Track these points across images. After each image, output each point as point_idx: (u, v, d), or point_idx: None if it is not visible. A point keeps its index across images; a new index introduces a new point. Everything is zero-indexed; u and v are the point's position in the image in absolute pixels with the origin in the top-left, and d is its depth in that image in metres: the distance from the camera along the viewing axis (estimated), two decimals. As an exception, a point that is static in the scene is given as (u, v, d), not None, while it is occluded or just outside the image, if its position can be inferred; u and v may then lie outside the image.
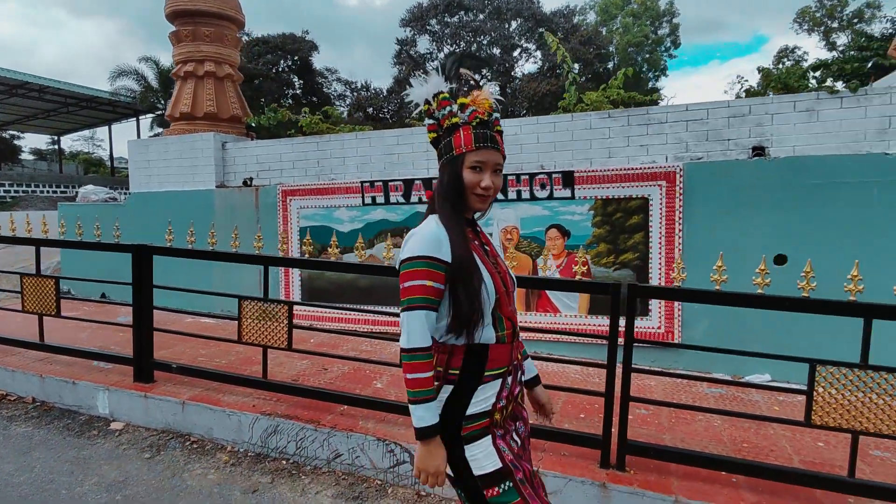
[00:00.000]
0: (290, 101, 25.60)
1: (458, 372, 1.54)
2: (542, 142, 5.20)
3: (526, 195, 5.07)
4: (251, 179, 6.48)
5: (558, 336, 4.92)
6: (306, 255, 3.69)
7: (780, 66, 21.24)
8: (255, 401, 3.64)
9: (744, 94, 7.66)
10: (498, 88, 22.35)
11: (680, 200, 4.60)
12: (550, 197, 4.99)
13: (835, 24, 22.62)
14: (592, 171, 4.83)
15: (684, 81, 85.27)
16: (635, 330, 3.11)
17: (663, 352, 4.78)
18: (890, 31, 18.90)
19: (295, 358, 4.61)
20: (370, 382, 4.15)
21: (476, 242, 1.60)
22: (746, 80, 7.82)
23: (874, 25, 21.45)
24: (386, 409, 3.35)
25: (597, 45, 23.13)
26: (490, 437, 1.53)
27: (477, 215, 1.67)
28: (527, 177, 5.03)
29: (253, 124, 7.27)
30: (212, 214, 6.45)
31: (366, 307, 5.38)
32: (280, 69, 24.19)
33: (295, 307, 3.60)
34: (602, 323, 4.85)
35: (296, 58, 24.14)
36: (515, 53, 24.51)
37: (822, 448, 3.19)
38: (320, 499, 2.93)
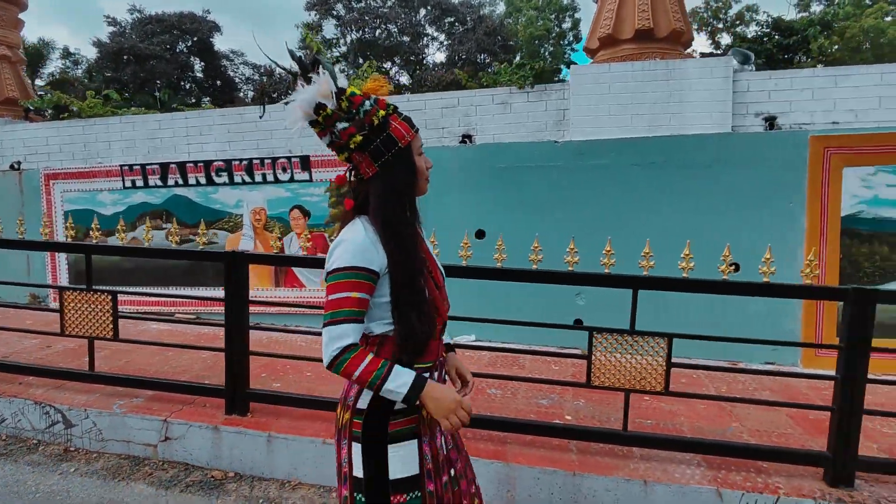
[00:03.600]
0: (189, 84, 24.37)
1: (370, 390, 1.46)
2: (289, 128, 5.53)
3: (271, 178, 5.40)
4: (19, 163, 6.37)
5: (302, 309, 5.31)
6: (68, 239, 3.70)
7: None
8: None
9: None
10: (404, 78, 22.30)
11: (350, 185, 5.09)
12: (292, 180, 5.35)
13: (720, 25, 24.31)
14: (326, 155, 5.24)
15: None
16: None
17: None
18: (759, 33, 20.77)
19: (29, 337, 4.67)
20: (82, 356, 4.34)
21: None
22: None
23: (750, 27, 23.39)
24: (54, 375, 3.58)
25: (502, 36, 23.30)
26: (417, 440, 1.48)
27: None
28: (270, 161, 5.36)
29: (31, 107, 7.10)
30: (-20, 199, 6.29)
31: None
32: (179, 50, 22.91)
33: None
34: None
35: (195, 38, 22.94)
36: (424, 42, 24.41)
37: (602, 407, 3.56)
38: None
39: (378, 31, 23.60)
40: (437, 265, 1.62)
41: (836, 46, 18.09)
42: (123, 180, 5.76)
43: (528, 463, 2.80)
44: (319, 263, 3.19)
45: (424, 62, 24.27)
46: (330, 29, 24.10)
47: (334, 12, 23.58)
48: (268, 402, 3.31)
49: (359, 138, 1.43)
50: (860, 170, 4.38)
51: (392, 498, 1.43)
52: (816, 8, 22.48)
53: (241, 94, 25.32)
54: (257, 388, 3.35)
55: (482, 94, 5.09)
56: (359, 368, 1.37)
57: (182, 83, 24.04)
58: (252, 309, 3.25)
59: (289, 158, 5.30)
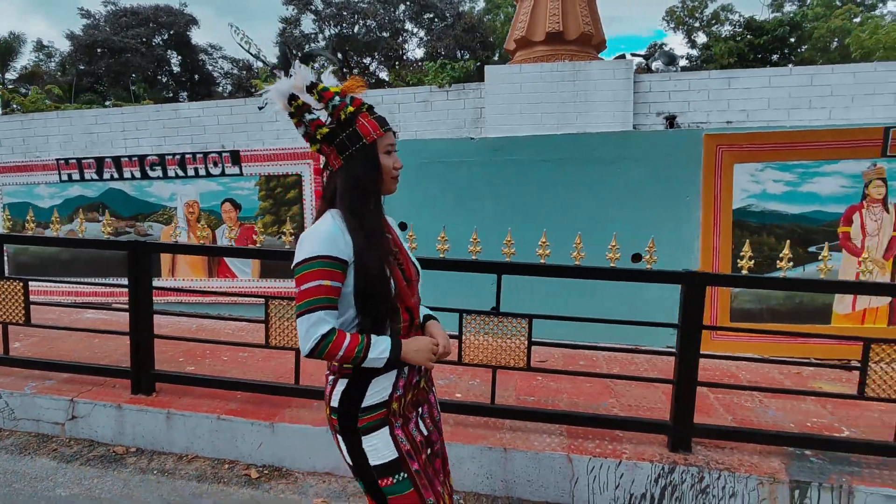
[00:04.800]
0: (166, 77, 24.09)
1: (352, 365, 1.51)
2: (222, 124, 5.73)
3: (203, 172, 5.57)
4: (-40, 157, 6.46)
5: (234, 298, 5.50)
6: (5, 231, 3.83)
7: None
8: None
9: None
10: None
11: (324, 177, 5.31)
12: (223, 174, 5.54)
13: (696, 24, 24.70)
14: (254, 150, 5.43)
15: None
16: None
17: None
18: (731, 32, 21.21)
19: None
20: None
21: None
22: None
23: (725, 27, 23.83)
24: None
25: (481, 32, 23.22)
26: (388, 427, 1.52)
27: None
28: (201, 155, 5.54)
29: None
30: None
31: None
32: (155, 44, 22.62)
33: None
34: (269, 285, 5.49)
35: (172, 32, 22.68)
36: (403, 38, 24.28)
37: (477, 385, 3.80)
38: None
39: (357, 27, 23.52)
40: (409, 259, 1.67)
41: (805, 46, 18.61)
42: (60, 174, 5.88)
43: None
44: (213, 252, 3.40)
45: (405, 58, 24.26)
46: (308, 24, 24.01)
47: (312, 7, 23.40)
48: (174, 383, 3.51)
49: (325, 130, 1.51)
50: (749, 166, 4.70)
51: (380, 482, 1.50)
52: (790, 8, 22.91)
53: (220, 89, 25.09)
54: (163, 369, 3.55)
55: (405, 93, 5.32)
56: (341, 349, 1.43)
57: (159, 77, 23.78)
58: (190, 298, 3.44)
59: (220, 153, 5.49)
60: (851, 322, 4.67)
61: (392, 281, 1.52)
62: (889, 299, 4.63)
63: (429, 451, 1.65)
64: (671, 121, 4.93)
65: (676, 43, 45.05)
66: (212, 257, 5.61)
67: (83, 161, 5.81)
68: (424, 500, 1.52)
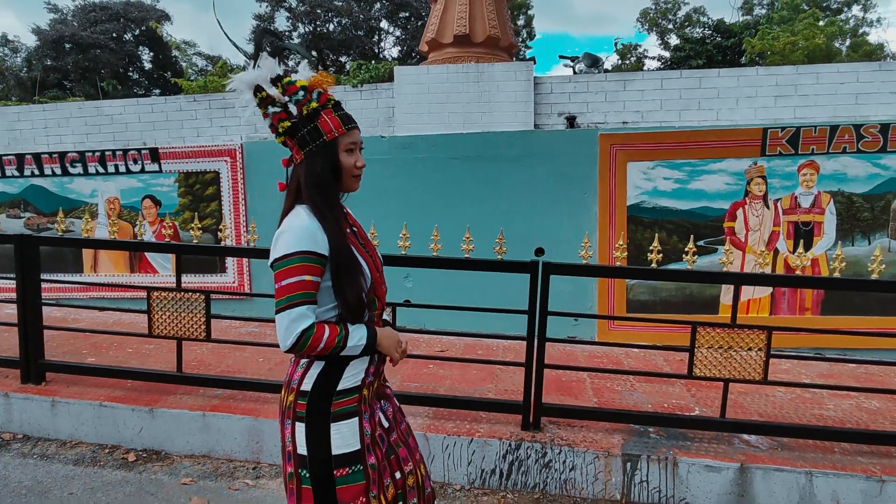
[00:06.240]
0: (137, 74, 23.67)
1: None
2: (143, 121, 5.81)
3: (123, 169, 5.66)
4: None
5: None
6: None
7: (626, 62, 23.52)
8: None
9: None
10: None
11: (242, 174, 5.45)
12: (143, 171, 5.63)
13: (670, 26, 25.10)
14: (173, 147, 5.54)
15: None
16: (215, 285, 3.81)
17: (240, 302, 5.64)
18: (702, 34, 21.57)
19: None
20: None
21: (348, 230, 1.60)
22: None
23: (696, 29, 24.24)
24: None
25: None
26: (358, 417, 1.55)
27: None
28: (121, 152, 5.62)
29: None
30: None
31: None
32: (125, 40, 22.19)
33: None
34: (192, 280, 5.60)
35: (143, 28, 22.25)
36: (379, 36, 24.19)
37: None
38: None
39: (331, 25, 23.42)
40: (376, 253, 1.71)
41: (768, 51, 19.07)
42: (-19, 170, 5.92)
43: (275, 417, 3.22)
44: (111, 245, 3.53)
45: (381, 56, 24.22)
46: (282, 21, 23.84)
47: (286, 4, 23.21)
48: (65, 372, 3.63)
49: (287, 124, 1.52)
50: (642, 164, 4.95)
51: (335, 471, 1.50)
52: (760, 11, 23.41)
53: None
54: (53, 359, 3.67)
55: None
56: (322, 341, 1.45)
57: (129, 73, 23.40)
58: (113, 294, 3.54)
59: (139, 150, 5.58)
60: (738, 312, 4.95)
61: (367, 272, 1.56)
62: (770, 290, 4.93)
63: (390, 439, 1.68)
64: (572, 121, 5.16)
65: (650, 45, 45.77)
66: (132, 252, 5.70)
67: (3, 158, 5.84)
68: (369, 492, 1.54)
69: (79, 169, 5.68)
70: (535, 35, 35.67)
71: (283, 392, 1.62)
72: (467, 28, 5.15)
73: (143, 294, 3.37)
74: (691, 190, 4.94)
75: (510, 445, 3.01)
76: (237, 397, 3.42)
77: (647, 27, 26.56)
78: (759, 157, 4.78)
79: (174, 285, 3.35)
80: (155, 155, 5.53)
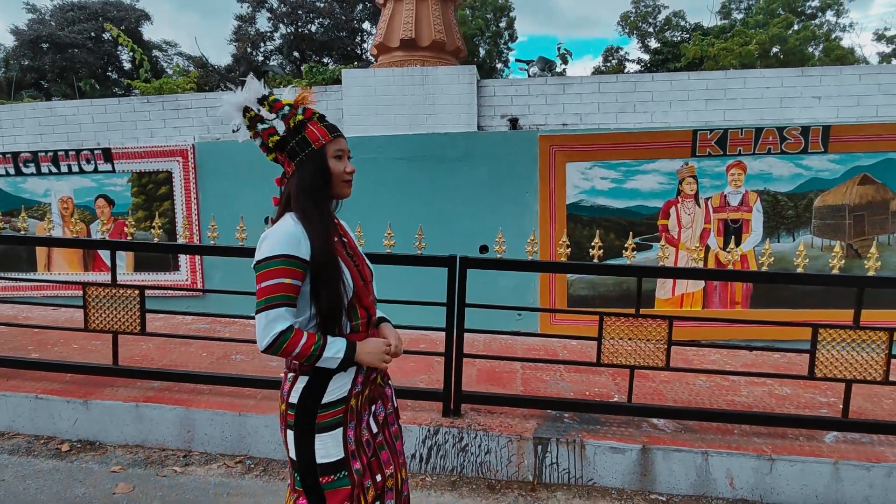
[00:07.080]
0: (115, 73, 23.44)
1: (307, 363, 1.57)
2: (97, 122, 5.89)
3: (76, 169, 5.73)
4: None
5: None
6: None
7: (608, 64, 23.82)
8: None
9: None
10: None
11: (194, 174, 5.55)
12: (96, 171, 5.70)
13: (650, 30, 25.42)
14: (126, 148, 5.62)
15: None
16: (168, 282, 3.92)
17: (195, 299, 5.74)
18: (681, 38, 21.93)
19: None
20: None
21: (336, 239, 1.63)
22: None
23: (675, 33, 24.61)
24: None
25: None
26: (342, 428, 1.59)
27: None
28: (74, 153, 5.69)
29: None
30: None
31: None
32: (104, 39, 21.99)
33: None
34: (149, 277, 5.69)
35: (122, 27, 22.09)
36: (361, 37, 24.20)
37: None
38: None
39: (313, 26, 23.40)
40: (364, 261, 1.74)
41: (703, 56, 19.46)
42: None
43: (206, 407, 3.35)
44: (43, 242, 3.62)
45: (364, 57, 24.23)
46: (263, 22, 23.78)
47: (267, 4, 23.19)
48: (6, 367, 3.72)
49: (276, 138, 1.61)
50: (580, 164, 5.15)
51: (321, 479, 1.56)
52: (738, 16, 23.83)
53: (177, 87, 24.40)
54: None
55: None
56: (298, 346, 1.49)
57: (108, 73, 23.21)
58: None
59: (92, 150, 5.65)
60: (671, 306, 5.17)
61: (350, 281, 1.59)
62: (703, 285, 5.15)
63: (375, 442, 1.71)
64: (514, 123, 5.34)
65: (631, 48, 46.35)
66: (86, 251, 5.77)
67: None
68: (354, 495, 1.59)
69: (32, 169, 5.73)
70: (517, 37, 35.93)
71: (280, 400, 1.69)
72: (413, 32, 5.31)
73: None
74: (627, 189, 5.14)
75: (429, 431, 3.16)
76: (173, 389, 3.54)
77: (627, 30, 26.91)
78: (690, 157, 5.00)
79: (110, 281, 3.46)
80: (108, 155, 5.61)
